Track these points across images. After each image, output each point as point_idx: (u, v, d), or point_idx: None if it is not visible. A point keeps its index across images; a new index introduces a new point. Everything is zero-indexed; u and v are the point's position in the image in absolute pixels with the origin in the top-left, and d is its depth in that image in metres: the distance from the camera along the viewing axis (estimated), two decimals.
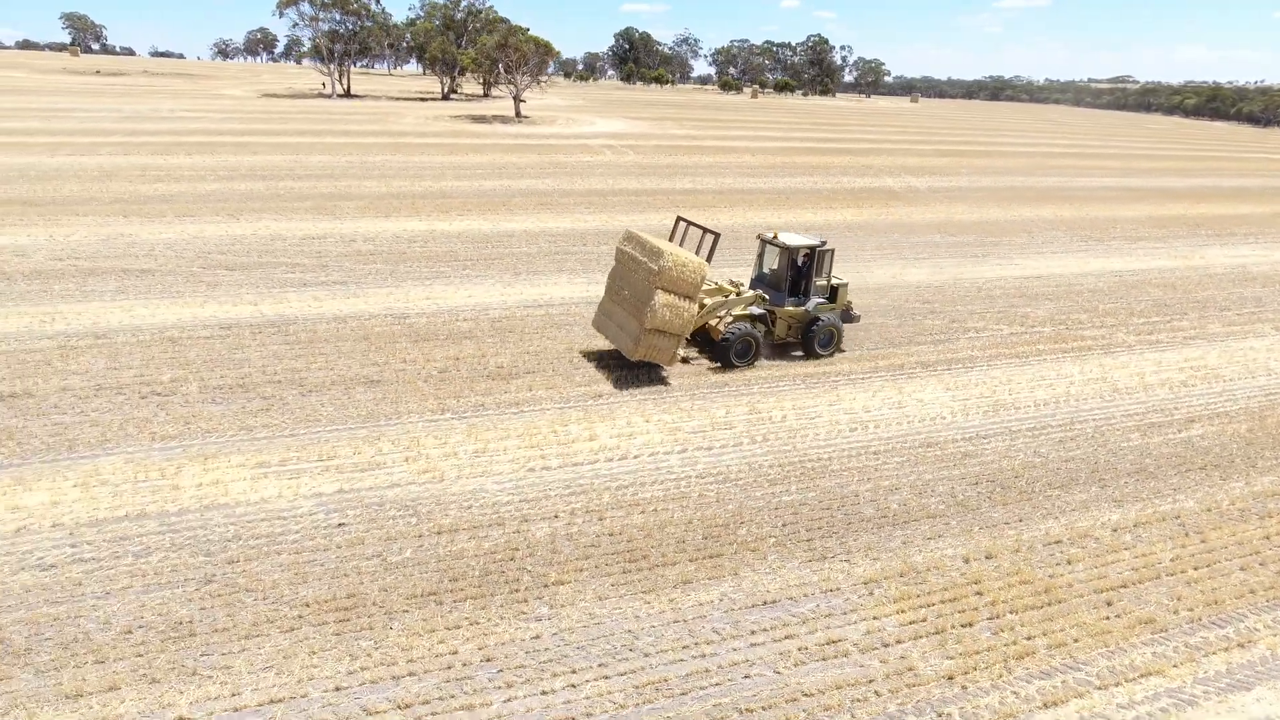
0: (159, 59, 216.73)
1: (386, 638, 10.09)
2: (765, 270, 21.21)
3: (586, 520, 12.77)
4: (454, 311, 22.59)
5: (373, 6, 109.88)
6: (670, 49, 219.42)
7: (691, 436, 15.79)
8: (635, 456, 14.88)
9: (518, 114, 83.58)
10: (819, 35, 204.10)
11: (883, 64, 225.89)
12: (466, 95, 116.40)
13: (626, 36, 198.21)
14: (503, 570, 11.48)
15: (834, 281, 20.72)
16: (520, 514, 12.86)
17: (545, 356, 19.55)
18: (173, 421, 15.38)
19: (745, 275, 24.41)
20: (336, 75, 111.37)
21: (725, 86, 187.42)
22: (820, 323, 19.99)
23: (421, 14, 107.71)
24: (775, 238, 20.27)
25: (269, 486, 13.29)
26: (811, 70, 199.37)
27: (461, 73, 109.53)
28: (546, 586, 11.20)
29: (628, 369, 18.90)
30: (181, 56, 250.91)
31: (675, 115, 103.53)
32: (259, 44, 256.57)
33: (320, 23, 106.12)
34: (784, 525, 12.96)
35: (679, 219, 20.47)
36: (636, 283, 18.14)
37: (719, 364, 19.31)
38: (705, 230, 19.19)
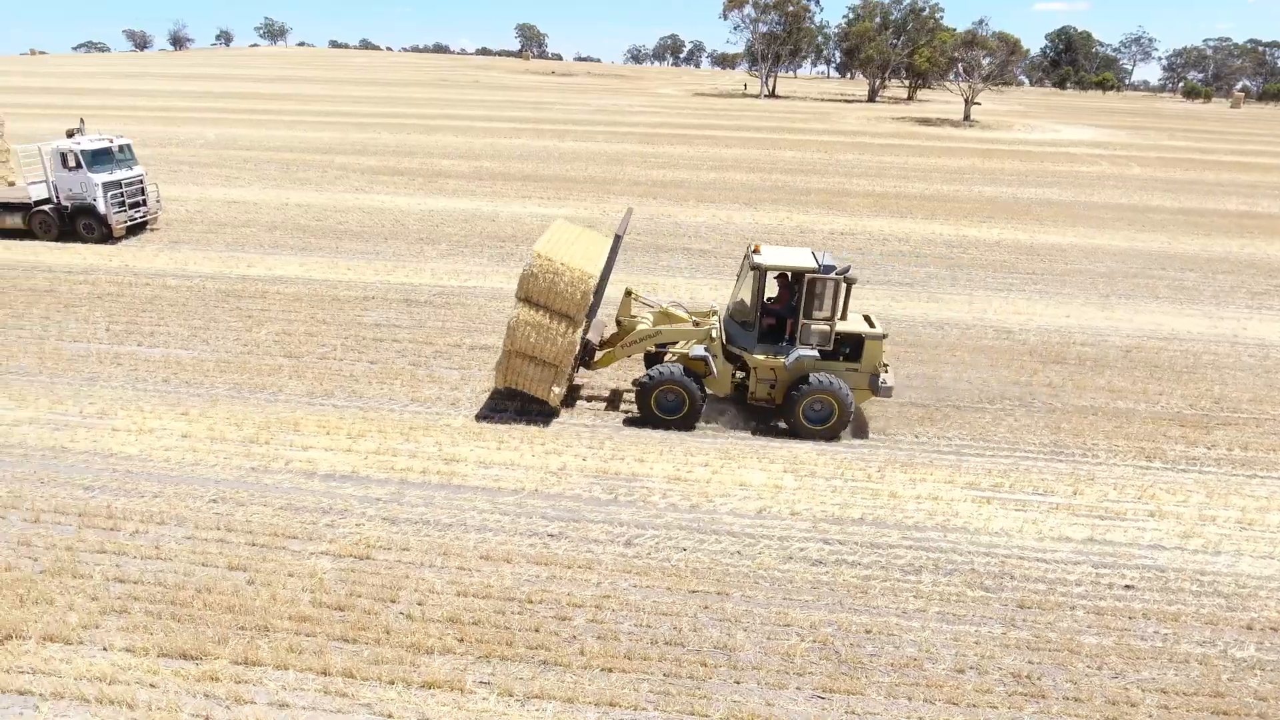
0: (581, 63, 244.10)
1: None
2: (748, 299, 14.05)
3: None
4: (1064, 332, 19.72)
5: (811, 7, 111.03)
6: (1114, 50, 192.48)
7: None
8: None
9: (966, 117, 78.04)
10: None
11: None
12: (890, 98, 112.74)
13: (1063, 36, 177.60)
14: None
15: (858, 330, 13.58)
16: None
17: (1230, 404, 15.84)
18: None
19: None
20: (764, 76, 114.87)
21: (1191, 93, 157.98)
22: (807, 386, 13.21)
23: (861, 14, 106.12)
24: (756, 250, 13.52)
25: (998, 516, 11.63)
26: None
27: (898, 73, 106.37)
28: None
29: None
30: (599, 60, 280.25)
31: (1149, 124, 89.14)
32: (667, 49, 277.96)
33: (760, 24, 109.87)
34: None
35: (629, 211, 15.13)
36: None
37: (640, 417, 13.80)
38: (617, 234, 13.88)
